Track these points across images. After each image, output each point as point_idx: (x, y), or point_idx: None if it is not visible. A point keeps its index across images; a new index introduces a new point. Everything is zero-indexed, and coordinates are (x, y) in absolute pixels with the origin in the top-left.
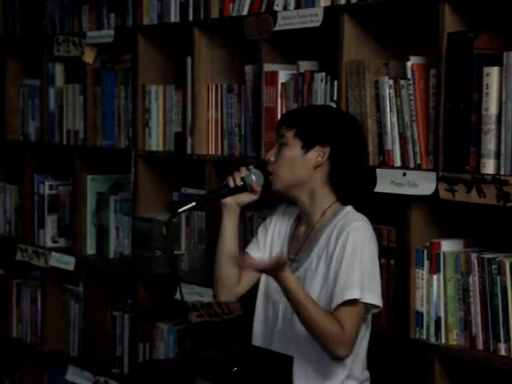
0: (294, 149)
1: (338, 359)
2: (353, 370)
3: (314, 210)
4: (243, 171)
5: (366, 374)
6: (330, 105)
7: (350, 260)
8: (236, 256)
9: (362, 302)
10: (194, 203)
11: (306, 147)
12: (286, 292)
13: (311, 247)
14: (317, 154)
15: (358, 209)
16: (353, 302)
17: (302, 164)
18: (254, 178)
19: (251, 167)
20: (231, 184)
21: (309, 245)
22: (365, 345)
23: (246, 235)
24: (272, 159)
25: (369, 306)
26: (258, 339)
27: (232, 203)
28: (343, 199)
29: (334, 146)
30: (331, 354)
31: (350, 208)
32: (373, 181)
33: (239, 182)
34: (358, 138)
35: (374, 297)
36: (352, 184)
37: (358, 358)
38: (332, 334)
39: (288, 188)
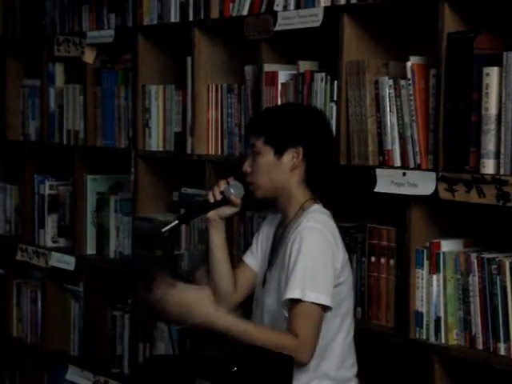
0: (267, 156)
1: (304, 364)
2: (323, 369)
3: (290, 210)
4: (222, 185)
5: (347, 372)
6: (292, 102)
7: (293, 261)
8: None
9: (313, 303)
10: (176, 221)
11: (279, 152)
12: (224, 332)
13: (280, 249)
14: (291, 157)
15: (333, 206)
16: (303, 306)
17: (278, 169)
18: (232, 190)
19: (230, 179)
20: (211, 199)
21: (280, 246)
22: (339, 344)
23: (246, 235)
24: (249, 170)
25: (324, 307)
26: None
27: (215, 217)
28: (317, 195)
29: (305, 144)
30: (296, 362)
31: (316, 207)
32: (340, 175)
33: (218, 197)
34: (327, 130)
35: (317, 295)
36: (327, 179)
37: (329, 357)
38: (288, 348)
39: (269, 194)
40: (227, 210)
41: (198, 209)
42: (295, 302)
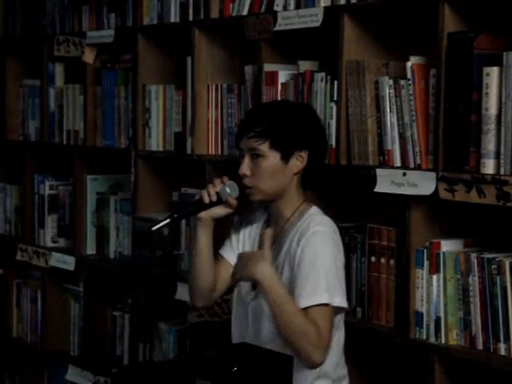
0: (272, 160)
1: (314, 366)
2: (324, 369)
3: (284, 211)
4: (217, 185)
5: (342, 371)
6: (284, 100)
7: (312, 265)
8: None
9: (331, 306)
10: (168, 220)
11: (286, 157)
12: (265, 291)
13: (277, 251)
14: (297, 160)
15: (325, 209)
16: (322, 306)
17: (283, 173)
18: (229, 191)
19: (225, 179)
20: (206, 200)
21: (275, 248)
22: (336, 343)
23: None
24: (248, 173)
25: (337, 309)
26: (235, 341)
27: (207, 217)
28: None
29: (311, 147)
30: (307, 359)
31: (314, 209)
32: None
33: (214, 197)
34: (324, 130)
35: (340, 299)
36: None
37: (329, 356)
38: (311, 336)
39: (269, 197)
40: (221, 211)
41: (192, 209)
42: (317, 306)
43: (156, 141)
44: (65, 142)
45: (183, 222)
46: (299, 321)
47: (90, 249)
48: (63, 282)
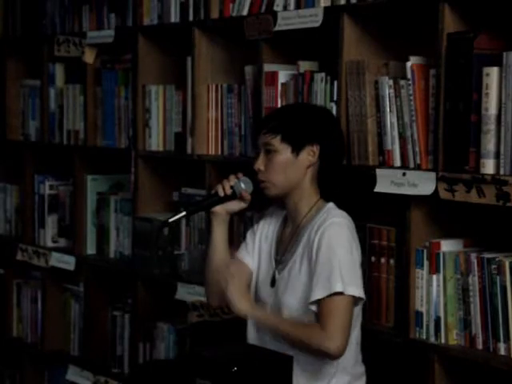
0: (284, 154)
1: (336, 356)
2: (343, 363)
3: (300, 209)
4: (232, 179)
5: (361, 368)
6: (302, 102)
7: (327, 255)
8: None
9: (346, 295)
10: (184, 213)
11: (297, 150)
12: (258, 322)
13: (295, 247)
14: (308, 154)
15: (341, 206)
16: (336, 296)
17: (295, 167)
18: (243, 185)
19: (240, 175)
20: (221, 193)
21: (293, 245)
22: (354, 338)
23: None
24: (262, 168)
25: (355, 299)
26: (252, 341)
27: (222, 212)
28: (327, 196)
29: (322, 142)
30: (327, 355)
31: (331, 205)
32: (355, 178)
33: (229, 191)
34: (340, 130)
35: (355, 289)
36: (338, 180)
37: (347, 352)
38: (318, 335)
39: (283, 192)
40: (235, 206)
41: (207, 202)
42: (330, 296)
43: (156, 141)
44: (65, 142)
45: (183, 221)
46: (299, 331)
47: (90, 249)
48: (63, 281)
